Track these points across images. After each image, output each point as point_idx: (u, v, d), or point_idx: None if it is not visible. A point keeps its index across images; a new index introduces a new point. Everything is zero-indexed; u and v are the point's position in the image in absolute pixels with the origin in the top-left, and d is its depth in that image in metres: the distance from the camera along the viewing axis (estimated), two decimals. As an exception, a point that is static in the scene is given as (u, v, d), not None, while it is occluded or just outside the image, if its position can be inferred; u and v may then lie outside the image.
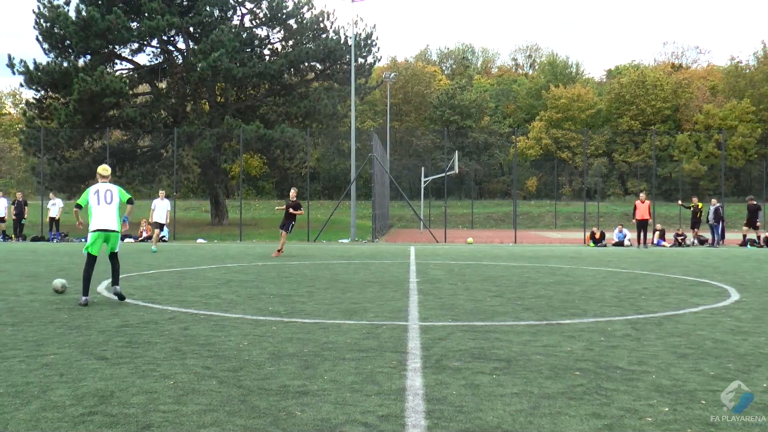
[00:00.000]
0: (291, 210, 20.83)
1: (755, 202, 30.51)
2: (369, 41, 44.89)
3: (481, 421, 4.65)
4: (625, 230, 30.59)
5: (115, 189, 10.75)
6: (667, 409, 5.00)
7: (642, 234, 28.13)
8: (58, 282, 11.43)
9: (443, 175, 38.97)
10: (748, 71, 72.31)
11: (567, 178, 69.82)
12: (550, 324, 8.66)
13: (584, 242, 30.65)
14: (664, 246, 29.39)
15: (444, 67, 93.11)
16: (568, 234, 41.27)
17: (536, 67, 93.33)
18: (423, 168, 51.96)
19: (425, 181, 49.84)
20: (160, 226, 25.78)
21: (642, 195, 28.79)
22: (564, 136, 70.47)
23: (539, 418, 4.75)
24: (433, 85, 78.93)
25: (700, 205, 31.08)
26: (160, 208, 24.97)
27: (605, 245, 29.11)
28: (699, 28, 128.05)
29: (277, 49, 46.73)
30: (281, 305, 10.19)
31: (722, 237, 30.29)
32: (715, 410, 4.95)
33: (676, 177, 60.77)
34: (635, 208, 28.55)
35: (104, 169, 10.81)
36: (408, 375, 5.92)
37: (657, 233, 30.47)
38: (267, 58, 45.66)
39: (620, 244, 29.60)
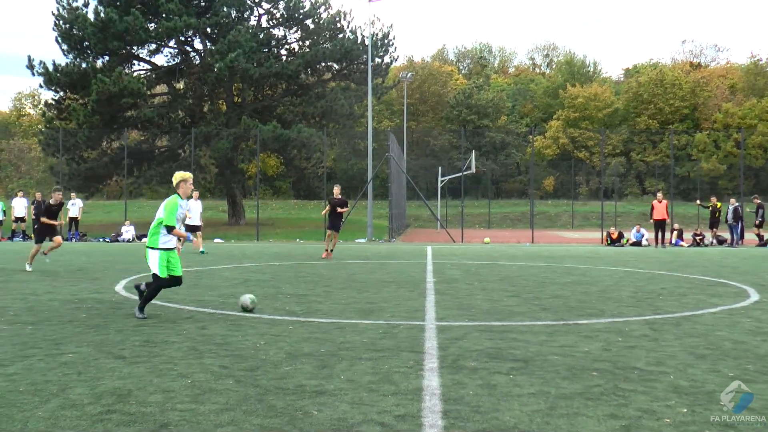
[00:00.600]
0: (338, 209, 20.45)
1: (759, 201, 30.21)
2: (386, 41, 44.88)
3: (498, 421, 4.64)
4: (642, 230, 30.41)
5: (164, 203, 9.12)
6: (685, 410, 4.96)
7: (660, 234, 27.95)
8: (247, 298, 9.53)
9: (460, 174, 38.89)
10: (767, 69, 71.66)
11: (584, 177, 69.52)
12: (567, 324, 8.62)
13: (601, 242, 30.51)
14: (682, 246, 29.19)
15: (461, 67, 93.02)
16: (585, 234, 41.09)
17: (553, 67, 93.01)
18: (440, 168, 51.92)
19: (442, 181, 49.79)
20: (195, 229, 22.36)
21: (659, 195, 28.59)
22: (581, 136, 70.19)
23: (556, 418, 4.73)
24: (449, 85, 78.84)
25: (719, 204, 30.85)
26: (194, 210, 22.46)
27: (622, 245, 28.95)
28: (718, 26, 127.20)
29: (294, 49, 46.83)
30: (298, 305, 10.21)
31: (741, 237, 30.03)
32: (732, 411, 4.91)
33: (695, 176, 60.33)
34: (652, 208, 28.37)
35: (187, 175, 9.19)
36: (425, 375, 5.91)
37: (675, 233, 30.27)
38: (284, 58, 45.75)
39: (638, 244, 29.43)
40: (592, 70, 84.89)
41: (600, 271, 16.40)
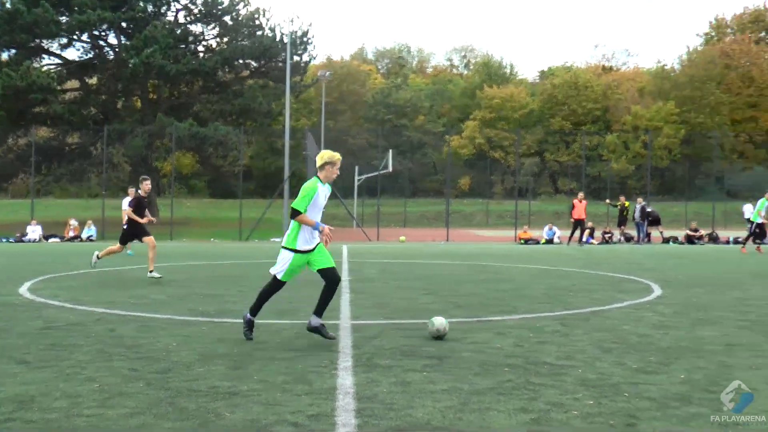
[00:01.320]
0: None
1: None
2: (305, 39, 44.74)
3: (411, 418, 4.67)
4: (555, 228, 31.18)
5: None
6: (591, 402, 5.10)
7: (579, 232, 28.72)
8: (441, 322, 7.60)
9: (377, 173, 39.06)
10: (673, 74, 74.37)
11: (499, 177, 70.63)
12: (480, 321, 8.76)
13: (515, 240, 31.12)
14: (592, 243, 30.03)
15: (379, 66, 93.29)
16: (500, 232, 41.80)
17: (471, 68, 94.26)
18: (357, 167, 51.97)
19: (359, 180, 49.87)
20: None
21: (580, 194, 29.31)
22: (497, 136, 71.33)
23: (468, 413, 4.79)
24: (368, 84, 79.02)
25: (627, 203, 31.88)
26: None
27: (536, 243, 29.60)
28: (628, 32, 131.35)
29: (211, 45, 46.23)
30: (212, 305, 10.06)
31: (647, 235, 31.12)
32: (637, 402, 5.08)
33: (605, 176, 62.14)
34: (573, 206, 29.05)
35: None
36: (339, 374, 5.90)
37: (587, 231, 31.13)
38: (201, 55, 45.07)
39: (550, 241, 30.14)
40: (508, 71, 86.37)
41: (514, 269, 16.73)
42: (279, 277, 7.43)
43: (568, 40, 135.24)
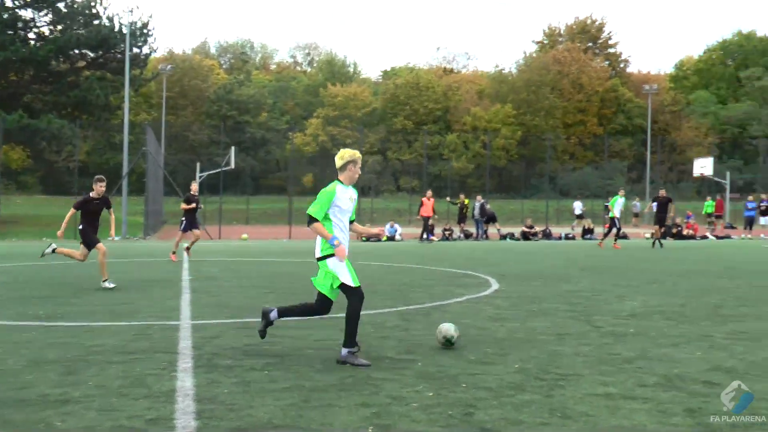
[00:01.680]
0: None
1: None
2: (145, 31, 43.16)
3: (252, 417, 4.60)
4: (396, 225, 31.77)
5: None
6: (431, 394, 5.23)
7: (426, 229, 29.39)
8: (450, 328, 7.05)
9: (219, 170, 38.34)
10: (510, 78, 77.69)
11: (343, 174, 71.12)
12: (323, 318, 8.72)
13: (358, 238, 31.40)
14: (433, 240, 30.82)
15: (222, 61, 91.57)
16: (345, 230, 42.02)
17: (314, 65, 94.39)
18: (198, 163, 50.73)
19: (200, 177, 48.65)
20: None
21: (429, 192, 29.96)
22: (340, 134, 71.77)
23: (309, 410, 4.78)
24: (210, 79, 77.38)
25: (467, 201, 32.97)
26: None
27: (379, 240, 30.03)
28: (469, 36, 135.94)
29: (44, 33, 43.56)
30: (43, 308, 9.50)
31: (485, 231, 32.30)
32: (475, 392, 5.24)
33: (446, 175, 64.01)
34: (422, 204, 29.61)
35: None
36: (178, 376, 5.74)
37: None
38: (32, 42, 42.42)
39: (392, 239, 30.68)
40: (352, 70, 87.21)
41: (358, 266, 16.85)
42: (352, 285, 6.48)
43: (410, 41, 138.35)
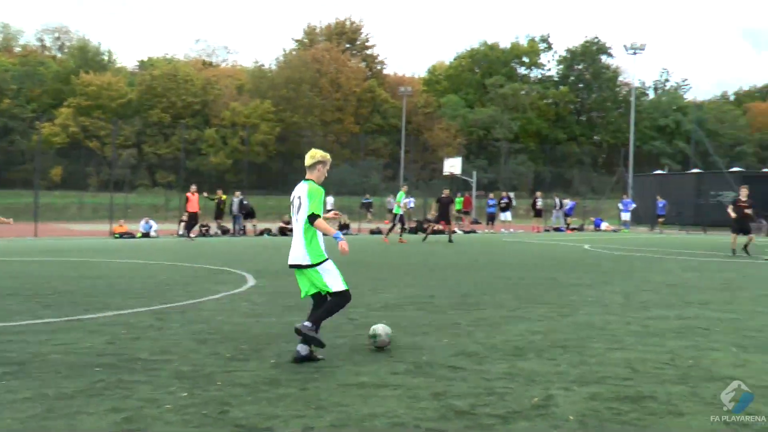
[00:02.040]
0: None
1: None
2: None
3: (-12, 431, 4.28)
4: (151, 221, 30.75)
5: (304, 191, 6.75)
6: (185, 393, 5.16)
7: (192, 225, 28.68)
8: (378, 327, 7.00)
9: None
10: (270, 74, 77.82)
11: (95, 168, 67.47)
12: (70, 320, 8.30)
13: (110, 234, 30.02)
14: (192, 237, 30.17)
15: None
16: (95, 226, 39.90)
17: (65, 51, 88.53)
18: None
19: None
20: None
21: (193, 188, 29.16)
22: (93, 125, 67.97)
23: (54, 420, 4.54)
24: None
25: (224, 197, 32.63)
26: None
27: (132, 237, 28.90)
28: (229, 29, 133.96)
29: None
30: None
31: (243, 227, 32.18)
32: (230, 389, 5.24)
33: (204, 170, 62.86)
34: (188, 200, 28.82)
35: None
36: None
37: (182, 224, 31.12)
38: None
39: (147, 235, 29.66)
40: (106, 58, 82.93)
41: (108, 264, 16.12)
42: (341, 289, 6.60)
43: (168, 31, 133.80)
